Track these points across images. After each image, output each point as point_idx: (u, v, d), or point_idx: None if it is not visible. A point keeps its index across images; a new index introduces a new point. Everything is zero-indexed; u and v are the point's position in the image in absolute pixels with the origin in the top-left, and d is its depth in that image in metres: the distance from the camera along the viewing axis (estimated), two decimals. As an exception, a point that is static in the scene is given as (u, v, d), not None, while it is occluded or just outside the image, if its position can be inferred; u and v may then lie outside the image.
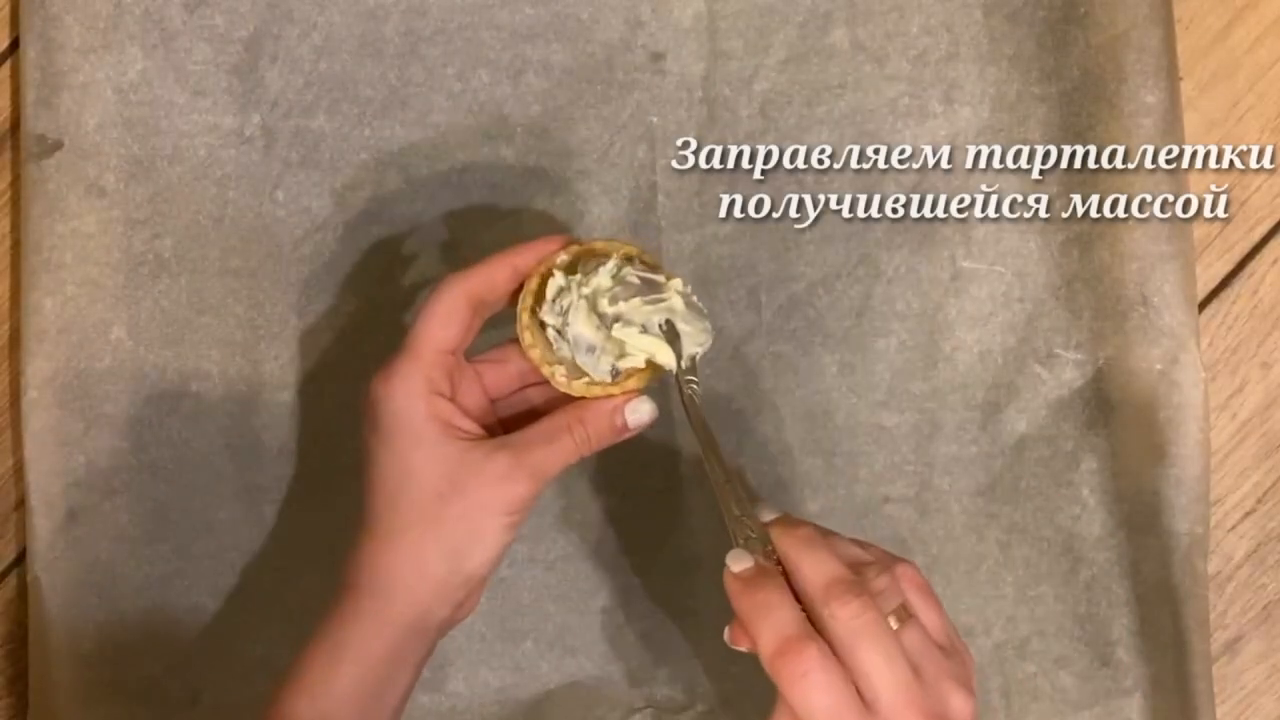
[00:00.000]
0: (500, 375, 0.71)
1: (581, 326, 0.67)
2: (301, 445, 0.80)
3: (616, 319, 0.67)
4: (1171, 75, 0.79)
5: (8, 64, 0.81)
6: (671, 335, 0.68)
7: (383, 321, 0.80)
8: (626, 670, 0.80)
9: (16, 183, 0.80)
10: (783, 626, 0.59)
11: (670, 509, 0.80)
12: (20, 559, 0.80)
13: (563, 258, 0.69)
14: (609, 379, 0.68)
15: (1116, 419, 0.80)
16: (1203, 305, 0.82)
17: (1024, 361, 0.80)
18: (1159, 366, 0.79)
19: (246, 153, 0.80)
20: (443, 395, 0.68)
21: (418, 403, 0.67)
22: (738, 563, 0.62)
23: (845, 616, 0.58)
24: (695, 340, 0.68)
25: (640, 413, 0.69)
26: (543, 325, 0.68)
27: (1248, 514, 0.82)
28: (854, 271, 0.81)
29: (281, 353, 0.80)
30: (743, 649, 0.61)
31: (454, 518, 0.67)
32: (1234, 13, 0.82)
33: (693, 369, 0.68)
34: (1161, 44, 0.79)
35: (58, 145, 0.78)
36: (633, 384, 0.68)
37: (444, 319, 0.68)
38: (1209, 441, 0.79)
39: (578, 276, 0.68)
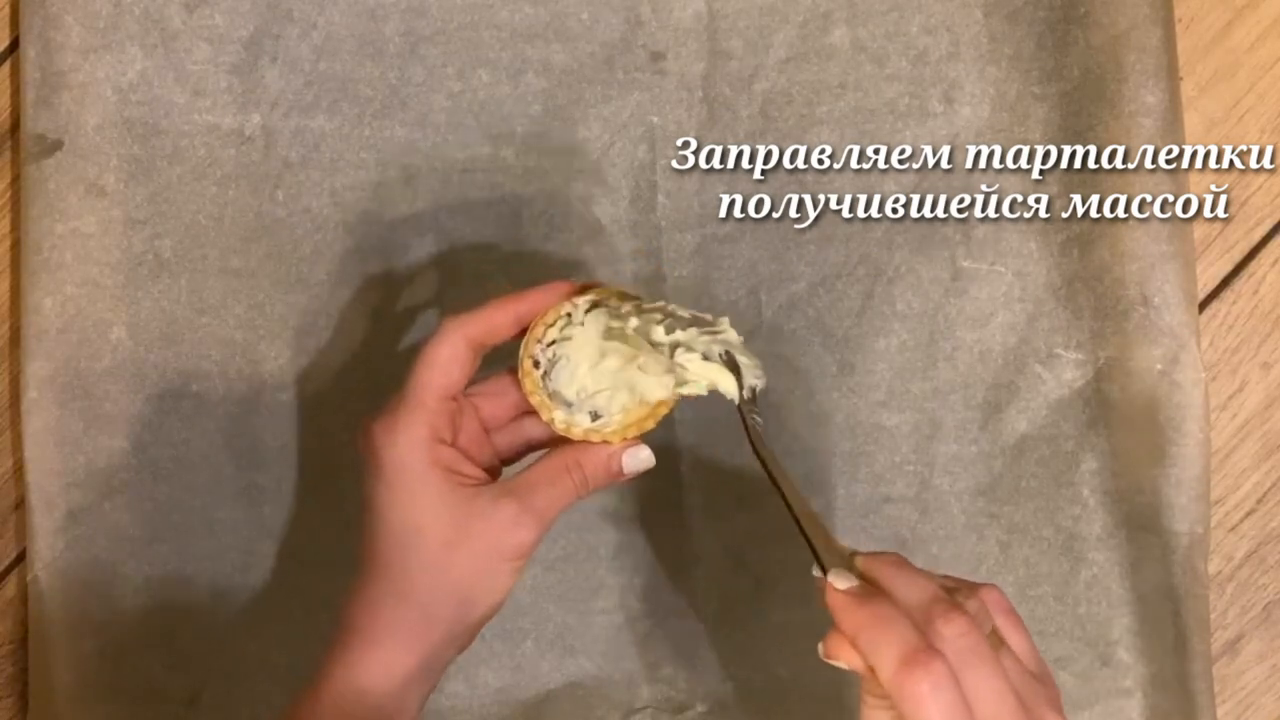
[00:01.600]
0: (497, 407, 0.70)
1: (562, 384, 0.67)
2: (301, 445, 0.80)
3: (676, 345, 0.66)
4: (1171, 75, 0.79)
5: (8, 64, 0.81)
6: (732, 366, 0.67)
7: (383, 322, 0.80)
8: (626, 670, 0.80)
9: (16, 182, 0.80)
10: (907, 639, 0.57)
11: (670, 509, 0.80)
12: (20, 559, 0.80)
13: (568, 305, 0.68)
14: (591, 425, 0.68)
15: (1117, 419, 0.80)
16: (1203, 305, 0.82)
17: (1024, 361, 0.80)
18: (1159, 366, 0.79)
19: (246, 153, 0.80)
20: (445, 443, 0.67)
21: (422, 452, 0.66)
22: (842, 580, 0.60)
23: (951, 635, 0.57)
24: (753, 373, 0.68)
25: (638, 460, 0.68)
26: (536, 364, 0.68)
27: (1248, 514, 0.82)
28: (854, 271, 0.81)
29: (281, 353, 0.80)
30: (840, 664, 0.60)
31: (462, 566, 0.66)
32: (1234, 13, 0.82)
33: (753, 400, 0.67)
34: (1161, 44, 0.79)
35: (57, 145, 0.78)
36: (633, 432, 0.68)
37: (446, 365, 0.67)
38: (1209, 441, 0.79)
39: (559, 326, 0.67)
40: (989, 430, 0.80)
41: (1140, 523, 0.79)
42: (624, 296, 0.68)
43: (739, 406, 0.67)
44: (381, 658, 0.66)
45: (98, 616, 0.78)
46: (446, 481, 0.66)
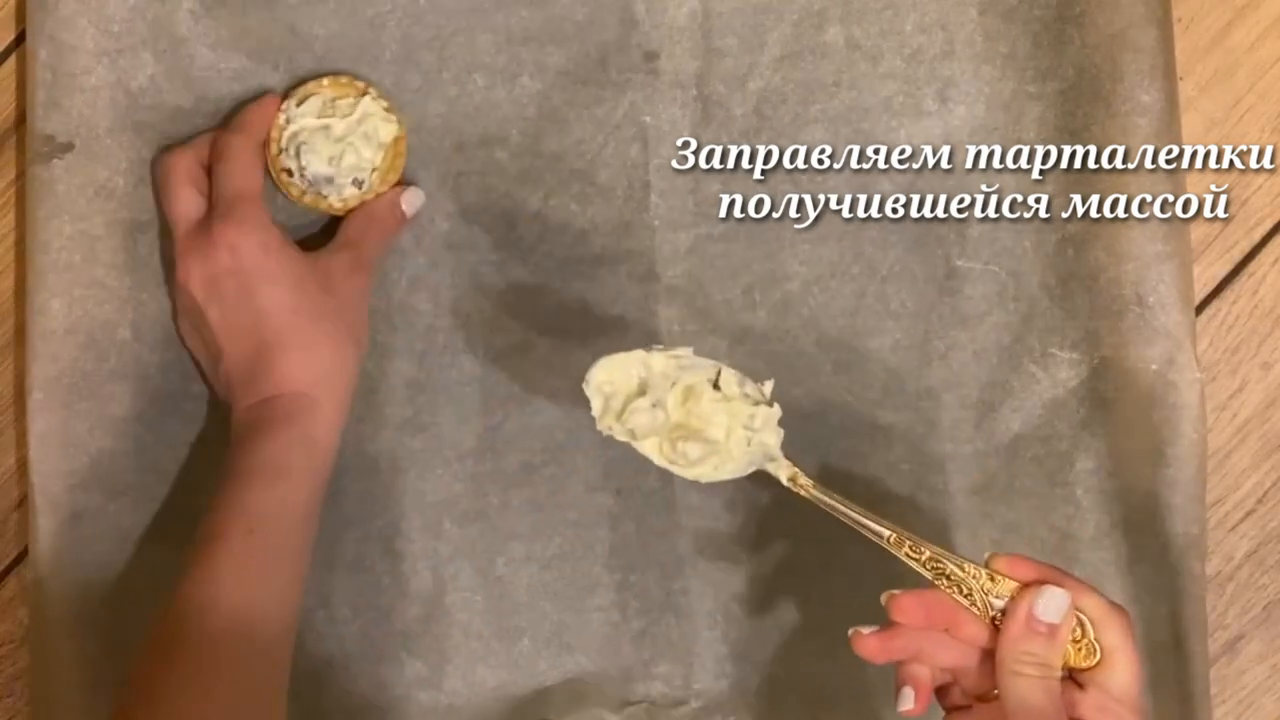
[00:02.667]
0: None
1: (316, 165, 0.77)
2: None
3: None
4: (1168, 75, 0.79)
5: (9, 62, 0.81)
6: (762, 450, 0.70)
7: (381, 321, 0.80)
8: (622, 667, 0.80)
9: (20, 179, 0.81)
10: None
11: (666, 508, 0.80)
12: (21, 559, 0.81)
13: (282, 117, 0.78)
14: (360, 192, 0.78)
15: (1112, 419, 0.80)
16: (1203, 305, 0.81)
17: (1019, 361, 0.80)
18: (1155, 367, 0.79)
19: (249, 157, 0.80)
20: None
21: (273, 232, 0.75)
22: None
23: None
24: (776, 434, 0.70)
25: (414, 199, 0.79)
26: (289, 173, 0.78)
27: (1248, 514, 0.82)
28: (848, 270, 0.80)
29: (282, 353, 0.80)
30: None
31: (340, 309, 0.76)
32: (1234, 12, 0.82)
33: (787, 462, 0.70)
34: (1157, 43, 0.79)
35: (68, 147, 0.79)
36: (393, 176, 0.79)
37: (253, 166, 0.77)
38: (1205, 442, 0.79)
39: (300, 115, 0.77)
40: (983, 429, 0.80)
41: (1135, 523, 0.79)
42: (336, 85, 0.78)
43: (793, 484, 0.69)
44: (315, 410, 0.74)
45: (99, 616, 0.78)
46: (296, 250, 0.76)
